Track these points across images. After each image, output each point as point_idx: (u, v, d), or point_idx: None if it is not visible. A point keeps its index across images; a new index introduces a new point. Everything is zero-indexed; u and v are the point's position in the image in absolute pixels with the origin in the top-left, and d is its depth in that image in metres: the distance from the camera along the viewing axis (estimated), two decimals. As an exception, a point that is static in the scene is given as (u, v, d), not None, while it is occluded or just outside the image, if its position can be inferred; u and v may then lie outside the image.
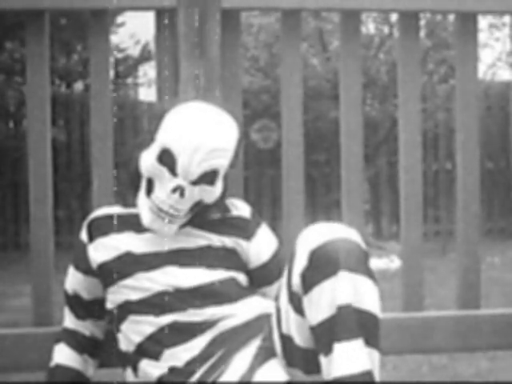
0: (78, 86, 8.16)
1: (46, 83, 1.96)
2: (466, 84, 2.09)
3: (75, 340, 1.80)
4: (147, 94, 8.59)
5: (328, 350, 1.36)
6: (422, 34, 7.48)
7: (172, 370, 1.61)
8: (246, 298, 1.68)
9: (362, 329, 1.36)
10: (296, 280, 1.42)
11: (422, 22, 7.51)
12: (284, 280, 1.49)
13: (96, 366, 1.84)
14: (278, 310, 1.50)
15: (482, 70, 8.29)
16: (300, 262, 1.41)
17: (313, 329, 1.40)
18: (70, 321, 1.81)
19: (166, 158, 1.64)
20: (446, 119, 7.67)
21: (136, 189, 1.72)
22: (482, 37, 7.65)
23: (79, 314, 1.80)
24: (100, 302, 1.78)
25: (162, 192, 1.64)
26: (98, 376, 1.87)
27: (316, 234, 1.42)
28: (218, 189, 1.69)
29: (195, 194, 1.65)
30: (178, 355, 1.60)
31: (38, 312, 1.94)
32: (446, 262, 5.84)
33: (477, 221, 2.10)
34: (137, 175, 1.71)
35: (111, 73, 2.06)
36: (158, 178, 1.65)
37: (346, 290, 1.36)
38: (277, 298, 1.52)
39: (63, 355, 1.79)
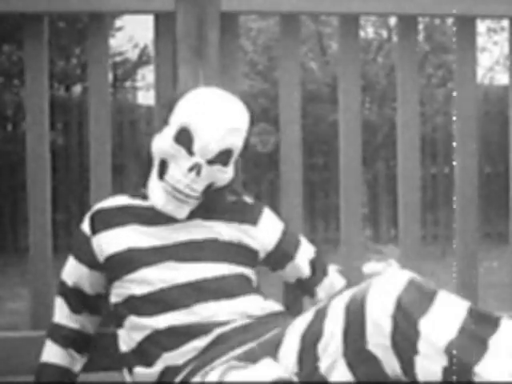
0: (77, 89, 8.15)
1: (44, 86, 1.96)
2: (465, 88, 2.09)
3: (60, 334, 1.78)
4: (145, 98, 8.58)
5: None
6: (421, 37, 7.49)
7: (168, 369, 1.59)
8: (248, 296, 1.67)
9: None
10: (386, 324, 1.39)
11: (421, 26, 7.52)
12: (337, 328, 1.42)
13: (84, 362, 1.81)
14: (318, 337, 1.45)
15: (481, 74, 8.29)
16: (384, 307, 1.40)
17: None
18: (60, 313, 1.79)
19: (184, 138, 1.66)
20: (445, 123, 7.67)
21: (146, 178, 1.73)
22: (481, 41, 7.67)
23: (75, 308, 1.78)
24: (100, 297, 1.77)
25: (177, 172, 1.66)
26: (97, 378, 1.87)
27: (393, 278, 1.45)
28: (230, 171, 1.72)
29: (210, 173, 1.67)
30: (176, 358, 1.59)
31: (35, 315, 1.94)
32: (444, 266, 5.84)
33: (475, 225, 2.10)
34: (148, 164, 1.72)
35: (110, 76, 2.06)
36: (174, 158, 1.67)
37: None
38: (316, 327, 1.46)
39: (49, 352, 1.77)
